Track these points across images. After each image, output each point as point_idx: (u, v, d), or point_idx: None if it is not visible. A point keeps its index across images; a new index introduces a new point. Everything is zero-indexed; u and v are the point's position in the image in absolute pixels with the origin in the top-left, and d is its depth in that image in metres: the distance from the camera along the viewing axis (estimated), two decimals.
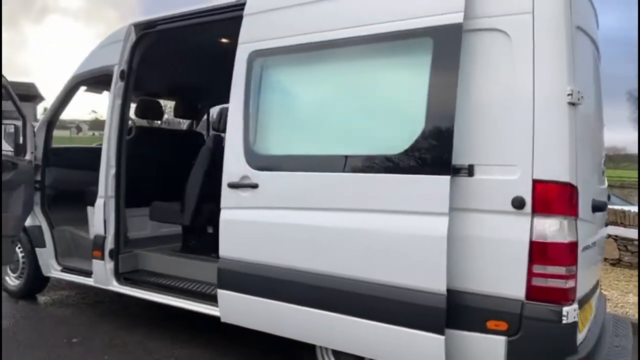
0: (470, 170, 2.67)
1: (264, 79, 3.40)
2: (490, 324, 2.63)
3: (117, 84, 4.36)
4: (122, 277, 4.37)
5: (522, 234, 2.55)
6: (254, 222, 3.31)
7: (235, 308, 3.43)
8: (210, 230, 4.42)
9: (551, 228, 2.52)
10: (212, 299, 3.62)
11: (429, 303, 2.67)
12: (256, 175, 3.31)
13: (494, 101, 2.65)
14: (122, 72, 4.35)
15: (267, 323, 3.30)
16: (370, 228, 2.85)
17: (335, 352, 3.21)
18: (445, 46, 2.70)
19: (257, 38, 3.41)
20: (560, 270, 2.52)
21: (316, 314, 3.03)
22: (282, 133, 3.35)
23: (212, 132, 4.88)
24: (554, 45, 2.56)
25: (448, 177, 2.63)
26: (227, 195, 3.45)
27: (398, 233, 2.77)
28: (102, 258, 4.35)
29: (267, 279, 3.24)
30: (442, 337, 2.63)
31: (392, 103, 2.93)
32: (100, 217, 4.37)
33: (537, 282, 2.54)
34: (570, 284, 2.54)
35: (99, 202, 4.37)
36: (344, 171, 2.97)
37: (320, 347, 3.25)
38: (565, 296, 2.53)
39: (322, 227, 3.01)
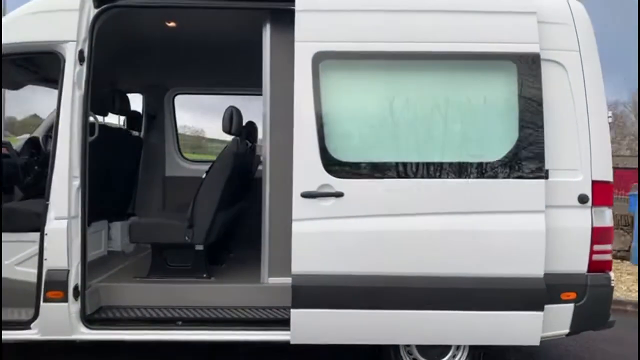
0: (546, 174, 3.28)
1: (340, 83, 3.27)
2: (564, 295, 3.31)
3: (74, 68, 3.33)
4: (88, 319, 3.39)
5: (586, 223, 3.30)
6: (340, 232, 3.17)
7: (315, 325, 3.20)
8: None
9: (605, 217, 3.35)
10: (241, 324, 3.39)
11: (531, 286, 3.17)
12: (340, 184, 3.17)
13: (560, 118, 3.32)
14: (81, 53, 3.35)
15: (356, 334, 3.22)
16: (476, 228, 3.17)
17: (420, 347, 3.39)
18: (528, 69, 3.23)
19: (324, 38, 3.23)
20: (608, 247, 3.38)
21: (417, 315, 3.17)
22: (370, 140, 3.27)
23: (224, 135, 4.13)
24: (596, 77, 3.39)
25: (544, 181, 3.18)
26: (301, 206, 3.17)
27: (503, 230, 3.18)
28: (64, 299, 3.28)
29: (359, 289, 3.16)
30: (542, 313, 3.18)
31: (483, 115, 3.28)
32: (60, 244, 3.27)
33: (596, 257, 3.33)
34: (609, 256, 3.43)
35: (57, 225, 3.27)
36: (440, 177, 3.18)
37: (404, 345, 3.38)
38: (609, 266, 3.40)
39: (424, 232, 3.15)
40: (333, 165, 3.19)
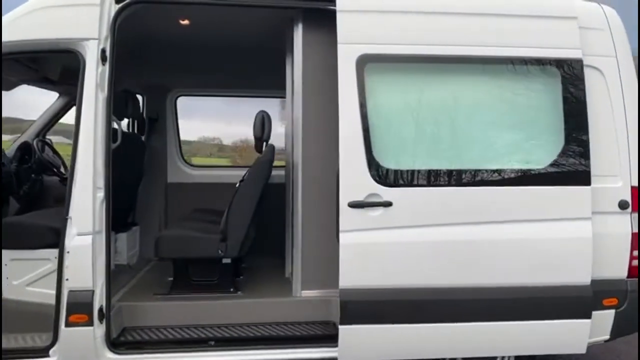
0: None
1: (386, 87, 3.14)
2: (606, 302, 3.31)
3: (97, 68, 3.05)
4: (114, 343, 3.11)
5: (626, 228, 3.31)
6: (390, 243, 3.04)
7: (365, 342, 3.06)
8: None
9: None
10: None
11: (579, 294, 3.15)
12: (388, 193, 3.04)
13: (599, 124, 3.31)
14: (104, 52, 3.07)
15: (406, 349, 3.10)
16: (526, 236, 3.11)
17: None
18: (572, 75, 3.20)
19: (369, 40, 3.09)
20: None
21: (467, 327, 3.10)
22: (419, 147, 3.15)
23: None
24: (632, 82, 3.40)
25: (590, 187, 3.16)
26: (348, 217, 3.02)
27: (551, 238, 3.13)
28: (88, 323, 3.00)
29: (409, 302, 3.05)
30: (589, 321, 3.17)
31: (532, 121, 3.22)
32: (84, 263, 2.98)
33: (635, 263, 3.35)
34: None
35: (81, 241, 2.98)
36: (489, 185, 3.10)
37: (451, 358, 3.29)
38: None
39: (474, 241, 3.07)
40: (381, 174, 3.05)
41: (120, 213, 4.25)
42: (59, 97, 4.69)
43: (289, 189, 4.03)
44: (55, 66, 4.09)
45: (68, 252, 2.98)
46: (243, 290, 3.66)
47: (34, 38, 3.07)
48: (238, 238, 3.41)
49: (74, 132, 3.05)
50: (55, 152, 4.71)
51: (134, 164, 4.09)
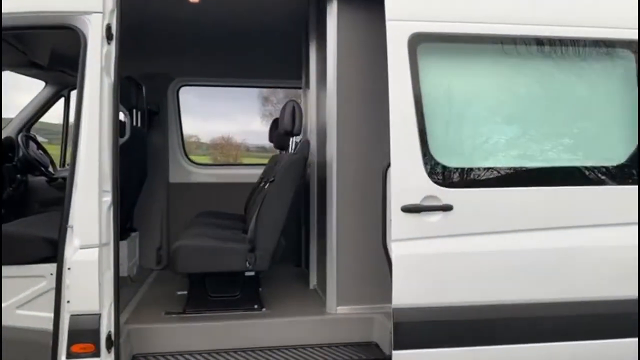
0: None
1: (443, 71, 2.70)
2: None
3: (101, 48, 2.54)
4: None
5: None
6: (450, 253, 2.60)
7: None
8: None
9: None
10: None
11: None
12: (448, 194, 2.60)
13: None
14: (109, 29, 2.57)
15: None
16: (607, 244, 2.70)
17: None
18: None
19: (422, 17, 2.65)
20: None
21: (547, 348, 2.67)
22: (483, 141, 2.72)
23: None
24: None
25: None
26: (402, 223, 2.57)
27: (627, 245, 2.74)
28: (95, 353, 2.50)
29: (473, 322, 2.62)
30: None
31: (605, 112, 2.82)
32: (89, 281, 2.48)
33: None
34: None
35: (85, 255, 2.48)
36: (564, 185, 2.69)
37: None
38: None
39: (553, 250, 2.64)
40: (439, 173, 2.62)
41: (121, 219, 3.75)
42: (46, 86, 4.14)
43: (314, 189, 3.59)
44: (44, 48, 3.54)
45: (69, 269, 2.47)
46: (268, 306, 3.20)
47: (23, 11, 2.55)
48: (269, 248, 2.94)
49: (74, 124, 2.54)
50: (41, 148, 4.16)
51: (139, 162, 3.59)
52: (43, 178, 4.05)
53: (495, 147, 2.72)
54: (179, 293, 3.49)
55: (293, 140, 3.34)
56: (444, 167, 2.63)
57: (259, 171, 4.65)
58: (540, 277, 2.65)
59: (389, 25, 2.62)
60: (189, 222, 3.96)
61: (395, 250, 2.58)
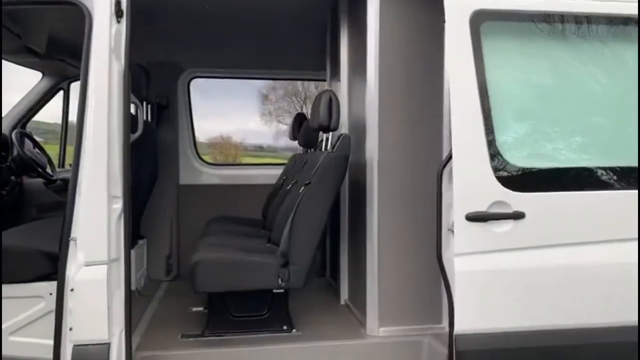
0: None
1: (513, 55, 2.30)
2: None
3: (110, 27, 2.14)
4: None
5: None
6: (523, 270, 2.20)
7: None
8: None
9: None
10: None
11: None
12: (519, 200, 2.20)
13: None
14: (119, 5, 2.16)
15: None
16: None
17: None
18: None
19: None
20: None
21: None
22: (561, 137, 2.31)
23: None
24: None
25: None
26: (466, 234, 2.17)
27: None
28: None
29: (561, 350, 2.22)
30: None
31: None
32: (97, 305, 2.08)
33: None
34: None
35: (91, 274, 2.08)
36: None
37: None
38: None
39: None
40: (509, 174, 2.22)
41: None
42: (43, 78, 3.72)
43: (344, 191, 3.20)
44: (41, 31, 3.12)
45: (72, 290, 2.07)
46: (298, 326, 2.79)
47: None
48: (305, 262, 2.53)
49: (78, 117, 2.13)
50: (38, 146, 3.74)
51: (150, 161, 3.18)
52: (40, 180, 3.64)
53: (576, 143, 2.32)
54: (194, 309, 3.09)
55: (324, 137, 2.94)
56: (515, 167, 2.22)
57: (276, 172, 4.27)
58: (628, 296, 2.26)
59: (447, 2, 2.22)
60: (204, 230, 3.56)
61: (459, 265, 2.17)
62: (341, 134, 2.69)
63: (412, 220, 2.68)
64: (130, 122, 2.20)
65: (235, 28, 3.70)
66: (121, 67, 2.16)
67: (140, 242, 3.63)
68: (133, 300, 3.16)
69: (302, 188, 2.55)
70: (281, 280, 2.47)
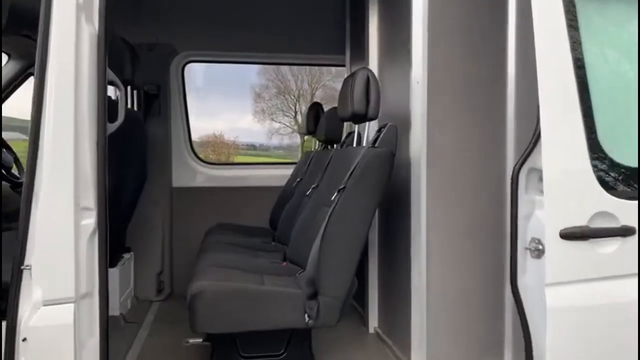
0: None
1: (616, 25, 1.75)
2: None
3: None
4: None
5: None
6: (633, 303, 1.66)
7: None
8: None
9: None
10: None
11: None
12: (627, 210, 1.66)
13: None
14: None
15: None
16: None
17: None
18: None
19: None
20: None
21: None
22: None
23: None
24: None
25: None
26: (560, 256, 1.62)
27: None
28: None
29: None
30: None
31: None
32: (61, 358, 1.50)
33: None
34: None
35: (53, 316, 1.50)
36: None
37: None
38: None
39: None
40: (615, 177, 1.68)
41: (113, 235, 2.77)
42: (9, 60, 3.11)
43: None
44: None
45: (24, 340, 1.49)
46: None
47: None
48: (340, 292, 1.92)
49: (34, 99, 1.55)
50: (2, 143, 3.14)
51: (137, 158, 2.60)
52: (5, 183, 3.03)
53: None
54: (192, 341, 2.51)
55: (356, 129, 2.37)
56: (623, 168, 1.69)
57: (282, 172, 3.70)
58: None
59: None
60: (203, 242, 2.98)
61: (552, 299, 1.61)
62: (384, 125, 2.12)
63: (468, 233, 2.13)
64: (106, 107, 1.63)
65: (239, 4, 3.13)
66: (94, 32, 1.58)
67: (126, 256, 3.06)
68: (117, 329, 2.60)
69: (335, 195, 1.97)
70: (308, 316, 1.87)
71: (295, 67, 9.81)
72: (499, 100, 2.17)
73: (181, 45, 3.52)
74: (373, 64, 2.76)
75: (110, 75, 1.68)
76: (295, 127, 10.21)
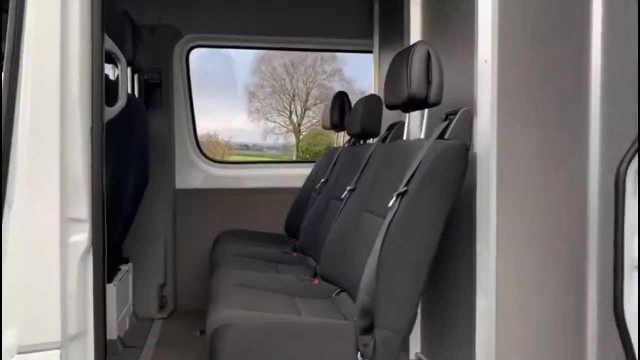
0: None
1: None
2: None
3: None
4: None
5: None
6: None
7: None
8: None
9: None
10: None
11: None
12: None
13: None
14: None
15: None
16: None
17: None
18: None
19: None
20: None
21: None
22: None
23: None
24: None
25: None
26: None
27: None
28: None
29: None
30: None
31: None
32: None
33: None
34: None
35: None
36: None
37: None
38: None
39: None
40: None
41: (112, 243, 2.36)
42: None
43: None
44: None
45: None
46: None
47: None
48: (403, 324, 1.50)
49: (5, 78, 1.16)
50: None
51: (138, 156, 2.21)
52: None
53: None
54: None
55: (407, 118, 1.98)
56: None
57: (297, 172, 3.32)
58: None
59: None
60: (213, 252, 2.59)
61: None
62: (452, 112, 1.74)
63: (546, 245, 1.76)
64: (104, 85, 1.23)
65: None
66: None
67: (124, 268, 2.66)
68: (114, 356, 2.23)
69: (393, 200, 1.57)
70: (361, 355, 1.47)
71: (290, 66, 9.58)
72: (580, 87, 1.79)
73: (186, 27, 3.10)
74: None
75: (109, 44, 1.29)
76: (290, 127, 9.93)
